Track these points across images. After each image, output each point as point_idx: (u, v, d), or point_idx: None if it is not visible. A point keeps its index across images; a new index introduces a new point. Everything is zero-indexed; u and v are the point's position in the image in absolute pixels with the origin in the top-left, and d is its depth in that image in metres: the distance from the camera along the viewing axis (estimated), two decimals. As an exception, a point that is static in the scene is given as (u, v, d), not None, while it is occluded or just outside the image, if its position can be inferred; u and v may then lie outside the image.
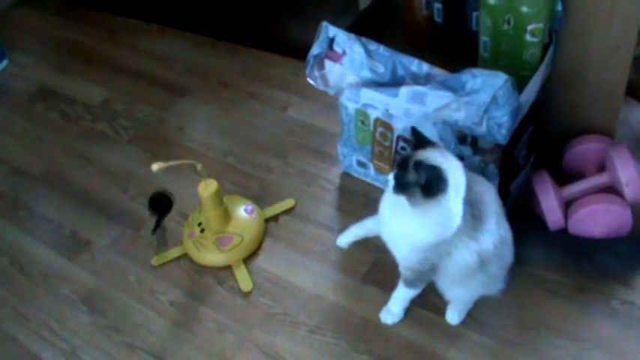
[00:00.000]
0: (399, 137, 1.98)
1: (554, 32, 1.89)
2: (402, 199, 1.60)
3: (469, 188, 1.60)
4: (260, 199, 2.27)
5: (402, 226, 1.68)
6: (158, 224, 2.21)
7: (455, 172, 1.59)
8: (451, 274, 1.74)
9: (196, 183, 2.08)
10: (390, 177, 1.61)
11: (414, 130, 1.70)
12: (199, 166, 2.02)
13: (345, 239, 2.00)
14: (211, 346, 1.96)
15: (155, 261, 2.17)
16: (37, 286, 2.19)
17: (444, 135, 1.86)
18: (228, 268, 2.11)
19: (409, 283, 1.82)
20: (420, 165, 1.56)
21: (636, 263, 1.94)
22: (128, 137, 2.63)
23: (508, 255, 1.77)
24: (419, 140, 1.67)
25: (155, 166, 1.93)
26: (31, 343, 2.04)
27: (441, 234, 1.63)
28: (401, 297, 1.89)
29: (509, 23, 1.86)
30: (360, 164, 2.20)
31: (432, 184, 1.55)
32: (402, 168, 1.59)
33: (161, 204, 2.23)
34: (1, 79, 3.03)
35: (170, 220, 2.27)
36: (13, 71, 3.07)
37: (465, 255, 1.67)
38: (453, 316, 1.89)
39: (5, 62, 3.08)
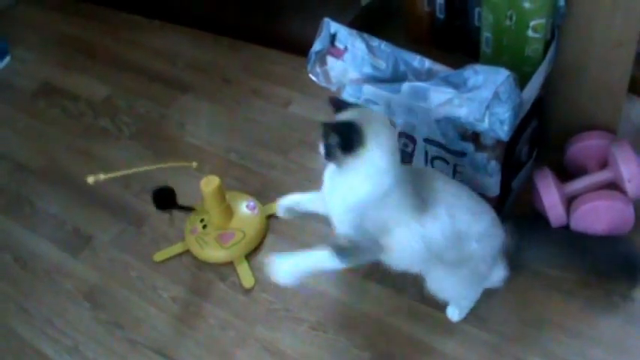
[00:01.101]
0: (400, 134, 1.98)
1: (556, 28, 1.89)
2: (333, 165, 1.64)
3: (414, 177, 1.66)
4: (262, 195, 2.28)
5: (336, 188, 1.68)
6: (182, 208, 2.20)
7: (373, 123, 1.60)
8: (397, 259, 1.72)
9: (198, 179, 2.08)
10: (321, 148, 1.63)
11: (332, 99, 1.71)
12: (194, 164, 2.05)
13: (286, 202, 1.92)
14: (213, 342, 1.96)
15: (157, 257, 2.18)
16: (39, 282, 2.19)
17: (446, 131, 1.86)
18: (230, 265, 2.11)
19: (340, 252, 1.67)
20: (335, 125, 1.60)
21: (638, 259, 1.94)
22: (130, 133, 2.63)
23: (488, 252, 1.75)
24: (337, 105, 1.69)
25: (91, 179, 1.98)
26: (34, 339, 2.05)
27: (372, 190, 1.61)
28: (314, 261, 1.70)
29: (511, 19, 1.86)
30: (362, 160, 2.20)
31: (347, 139, 1.57)
32: (325, 135, 1.60)
33: (166, 198, 2.21)
34: (4, 75, 3.04)
35: (172, 216, 2.27)
36: (16, 67, 3.07)
37: (406, 235, 1.65)
38: (454, 312, 1.89)
39: (7, 58, 3.09)
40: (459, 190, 1.74)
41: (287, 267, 1.70)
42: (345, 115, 1.64)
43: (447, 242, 1.68)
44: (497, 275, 1.85)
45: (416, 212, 1.64)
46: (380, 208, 1.63)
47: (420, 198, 1.65)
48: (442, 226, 1.66)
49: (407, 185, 1.63)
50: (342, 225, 1.69)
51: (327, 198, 1.72)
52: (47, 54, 3.10)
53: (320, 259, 1.68)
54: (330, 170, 1.72)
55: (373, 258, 1.73)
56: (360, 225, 1.65)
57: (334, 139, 1.58)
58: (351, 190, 1.64)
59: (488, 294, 1.89)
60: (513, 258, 1.85)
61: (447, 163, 1.94)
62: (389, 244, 1.68)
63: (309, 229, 2.17)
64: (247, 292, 2.05)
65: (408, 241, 1.67)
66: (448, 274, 1.76)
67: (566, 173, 2.08)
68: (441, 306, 1.91)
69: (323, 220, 2.17)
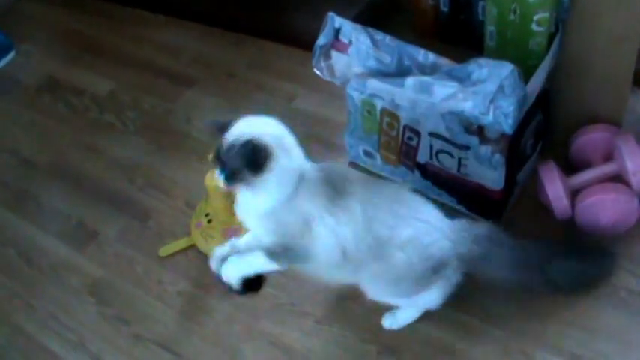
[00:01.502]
0: (405, 127, 1.98)
1: (560, 21, 1.88)
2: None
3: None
4: (267, 190, 2.27)
5: (246, 201, 1.64)
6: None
7: (268, 130, 1.56)
8: (322, 264, 1.66)
9: (203, 173, 2.08)
10: (218, 176, 1.57)
11: (209, 124, 1.62)
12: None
13: (223, 252, 1.80)
14: (219, 336, 1.96)
15: (162, 252, 2.18)
16: (45, 278, 2.20)
17: (451, 125, 1.86)
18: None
19: (271, 255, 1.65)
20: (233, 148, 1.52)
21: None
22: (135, 128, 2.64)
23: (416, 264, 1.64)
24: (218, 128, 1.60)
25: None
26: (40, 334, 2.06)
27: (279, 194, 1.57)
28: (254, 264, 1.69)
29: (515, 13, 1.85)
30: (367, 154, 2.20)
31: (254, 160, 1.51)
32: (220, 162, 1.55)
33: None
34: (9, 70, 3.04)
35: (177, 211, 2.27)
36: (21, 63, 3.08)
37: (323, 232, 1.59)
38: (387, 319, 1.87)
39: (12, 54, 3.09)
40: (387, 192, 1.67)
41: (231, 269, 1.72)
42: (234, 134, 1.55)
43: (359, 242, 1.60)
44: (434, 296, 1.76)
45: (332, 206, 1.58)
46: (290, 208, 1.59)
47: (333, 190, 1.60)
48: (354, 223, 1.59)
49: (317, 178, 1.60)
50: (262, 234, 1.66)
51: (240, 213, 1.69)
52: (52, 49, 3.11)
53: (259, 263, 1.68)
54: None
55: (306, 257, 1.65)
56: (277, 229, 1.62)
57: (238, 163, 1.52)
58: (260, 199, 1.59)
59: (495, 288, 1.89)
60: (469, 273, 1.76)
61: (452, 156, 1.94)
62: (312, 245, 1.62)
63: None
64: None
65: (324, 239, 1.60)
66: (374, 283, 1.72)
67: (570, 166, 2.08)
68: (447, 301, 1.92)
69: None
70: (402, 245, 1.61)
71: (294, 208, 1.59)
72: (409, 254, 1.62)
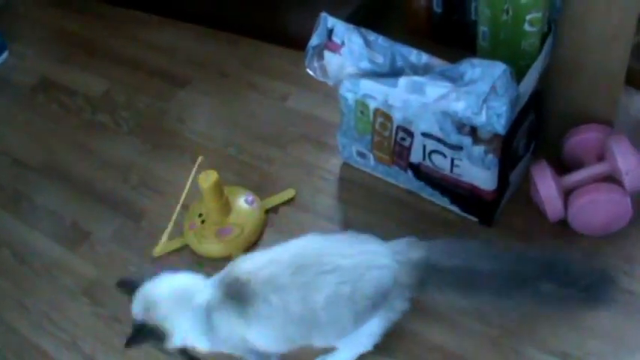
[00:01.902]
0: (398, 127, 1.98)
1: (552, 22, 1.89)
2: None
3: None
4: (260, 190, 2.28)
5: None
6: None
7: (165, 290, 1.64)
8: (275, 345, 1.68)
9: (196, 174, 2.08)
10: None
11: (120, 283, 1.70)
12: (199, 159, 2.04)
13: None
14: (212, 336, 1.96)
15: (156, 252, 2.18)
16: (38, 277, 2.20)
17: (444, 125, 1.86)
18: (228, 259, 2.11)
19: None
20: (135, 331, 1.61)
21: (635, 252, 1.94)
22: (129, 128, 2.63)
23: (345, 312, 1.59)
24: (128, 286, 1.68)
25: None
26: (33, 334, 2.06)
27: (200, 331, 1.63)
28: None
29: (507, 13, 1.86)
30: (360, 154, 2.20)
31: (156, 336, 1.60)
32: (137, 340, 1.61)
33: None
34: (2, 71, 3.04)
35: (170, 211, 2.27)
36: (14, 63, 3.07)
37: (257, 338, 1.63)
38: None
39: (5, 54, 3.08)
40: (288, 261, 1.60)
41: None
42: (135, 306, 1.63)
43: (290, 326, 1.60)
44: (376, 328, 1.70)
45: (242, 318, 1.59)
46: (217, 338, 1.63)
47: (238, 301, 1.59)
48: (273, 317, 1.58)
49: (220, 300, 1.61)
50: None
51: None
52: (45, 49, 3.10)
53: None
54: None
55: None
56: (230, 349, 1.69)
57: (147, 341, 1.61)
58: (194, 343, 1.66)
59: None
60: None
61: (445, 156, 1.95)
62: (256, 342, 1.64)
63: (307, 224, 2.17)
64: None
65: (262, 340, 1.63)
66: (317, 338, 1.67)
67: (563, 166, 2.08)
68: (436, 298, 1.92)
69: (321, 216, 2.19)
70: (325, 307, 1.57)
71: (220, 337, 1.63)
72: (337, 312, 1.58)
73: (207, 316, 1.60)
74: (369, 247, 1.63)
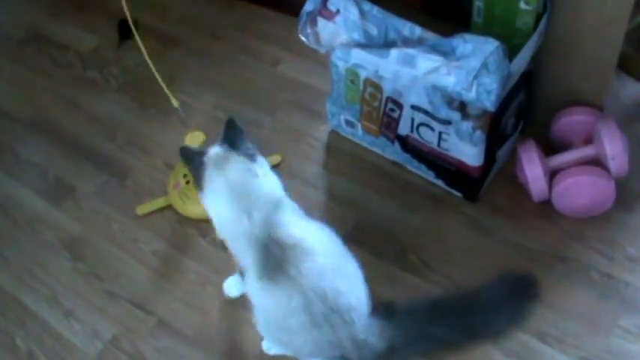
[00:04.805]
0: (387, 98, 1.97)
1: (548, 1, 1.88)
2: None
3: None
4: (247, 154, 2.27)
5: None
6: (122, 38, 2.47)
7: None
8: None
9: (183, 134, 2.08)
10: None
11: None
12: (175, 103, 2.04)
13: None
14: (191, 297, 1.97)
15: (139, 210, 2.18)
16: (20, 231, 2.20)
17: (433, 99, 1.86)
18: (211, 221, 2.11)
19: (241, 274, 1.73)
20: None
21: (616, 236, 1.95)
22: (117, 85, 2.62)
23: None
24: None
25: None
26: (13, 287, 2.06)
27: None
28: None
29: (504, -11, 1.85)
30: (349, 123, 2.20)
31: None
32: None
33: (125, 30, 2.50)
34: (-8, 21, 3.01)
35: (156, 170, 2.27)
36: (4, 14, 3.04)
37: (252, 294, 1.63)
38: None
39: (-4, 4, 3.05)
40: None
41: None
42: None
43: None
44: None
45: (262, 276, 1.54)
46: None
47: (270, 263, 1.53)
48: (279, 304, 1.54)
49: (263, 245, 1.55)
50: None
51: None
52: (37, 2, 3.07)
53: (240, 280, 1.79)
54: None
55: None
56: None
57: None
58: None
59: (468, 260, 1.91)
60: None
61: (433, 130, 1.95)
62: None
63: (292, 191, 2.15)
64: (227, 248, 2.05)
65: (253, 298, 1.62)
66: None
67: (551, 147, 2.09)
68: (419, 272, 1.93)
69: (307, 183, 2.19)
70: (303, 339, 1.56)
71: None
72: (302, 346, 1.58)
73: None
74: (356, 310, 1.56)
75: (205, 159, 1.61)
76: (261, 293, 1.56)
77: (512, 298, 1.69)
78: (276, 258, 1.51)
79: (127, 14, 1.91)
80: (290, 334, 1.57)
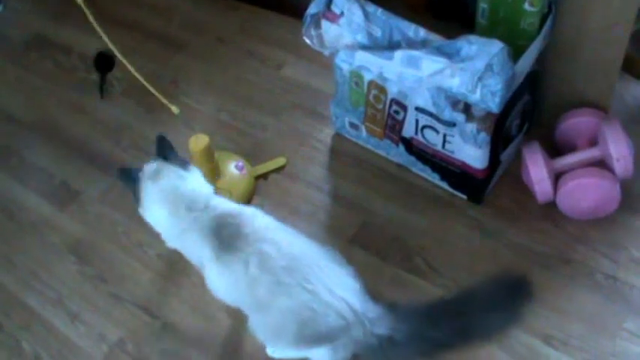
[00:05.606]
0: (392, 100, 1.98)
1: (553, 3, 1.88)
2: None
3: None
4: (251, 157, 2.27)
5: None
6: (102, 82, 2.46)
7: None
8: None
9: (187, 137, 2.08)
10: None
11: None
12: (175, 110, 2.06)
13: None
14: (196, 300, 1.97)
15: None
16: (26, 235, 2.20)
17: (438, 101, 1.86)
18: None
19: None
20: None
21: (621, 239, 1.95)
22: (122, 89, 2.62)
23: (293, 330, 1.57)
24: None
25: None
26: (19, 290, 2.06)
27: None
28: None
29: (508, -9, 1.85)
30: (352, 126, 2.20)
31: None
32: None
33: (104, 63, 2.49)
34: (-4, 25, 3.02)
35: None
36: (8, 18, 3.04)
37: (209, 275, 1.67)
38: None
39: (0, 8, 3.05)
40: (285, 252, 1.57)
41: None
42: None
43: (237, 296, 1.65)
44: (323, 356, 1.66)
45: (213, 255, 1.61)
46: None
47: (220, 242, 1.60)
48: (234, 279, 1.60)
49: (209, 227, 1.63)
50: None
51: None
52: (41, 5, 3.07)
53: None
54: None
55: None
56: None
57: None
58: None
59: (473, 263, 1.91)
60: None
61: (437, 132, 1.95)
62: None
63: (297, 193, 2.17)
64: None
65: (210, 280, 1.66)
66: (257, 328, 1.67)
67: (555, 149, 2.09)
68: (425, 275, 1.93)
69: (311, 185, 2.19)
70: (281, 312, 1.56)
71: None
72: (285, 322, 1.57)
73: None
74: (349, 298, 1.56)
75: (140, 174, 1.72)
76: (223, 272, 1.61)
77: (506, 297, 1.67)
78: (226, 231, 1.60)
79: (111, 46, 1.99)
80: (268, 312, 1.58)
